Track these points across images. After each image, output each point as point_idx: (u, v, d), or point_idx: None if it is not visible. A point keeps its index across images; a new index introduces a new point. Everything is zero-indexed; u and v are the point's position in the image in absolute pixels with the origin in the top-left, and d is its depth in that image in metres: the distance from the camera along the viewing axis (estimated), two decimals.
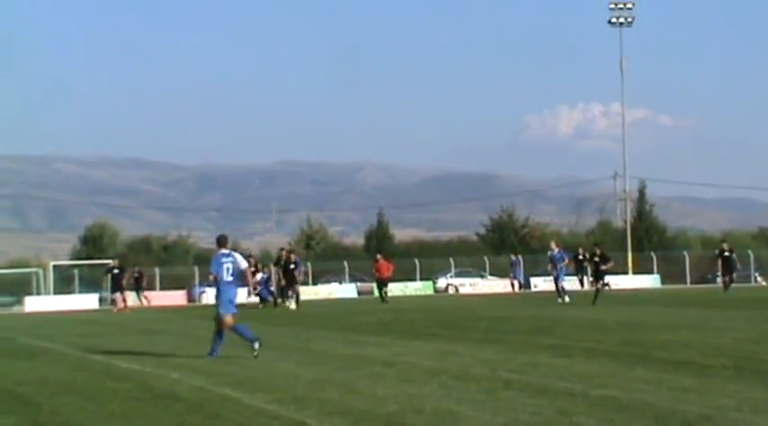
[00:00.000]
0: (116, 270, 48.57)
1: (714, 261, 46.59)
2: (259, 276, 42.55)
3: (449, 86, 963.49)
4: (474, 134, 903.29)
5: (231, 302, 17.41)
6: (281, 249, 45.23)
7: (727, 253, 43.02)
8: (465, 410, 10.31)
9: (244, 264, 17.54)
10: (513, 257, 62.03)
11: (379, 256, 48.16)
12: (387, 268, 46.17)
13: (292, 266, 39.87)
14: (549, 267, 38.41)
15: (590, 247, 39.79)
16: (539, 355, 16.07)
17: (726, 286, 42.37)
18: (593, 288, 35.76)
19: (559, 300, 36.01)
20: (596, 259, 36.05)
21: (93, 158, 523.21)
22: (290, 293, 39.60)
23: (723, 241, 48.08)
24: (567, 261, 38.48)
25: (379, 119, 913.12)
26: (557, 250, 37.88)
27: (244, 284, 17.93)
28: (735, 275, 43.80)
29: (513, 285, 60.25)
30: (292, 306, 38.70)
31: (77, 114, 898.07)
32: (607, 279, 37.71)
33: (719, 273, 45.02)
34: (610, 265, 36.56)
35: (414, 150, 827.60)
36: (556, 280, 37.47)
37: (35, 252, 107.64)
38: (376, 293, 48.11)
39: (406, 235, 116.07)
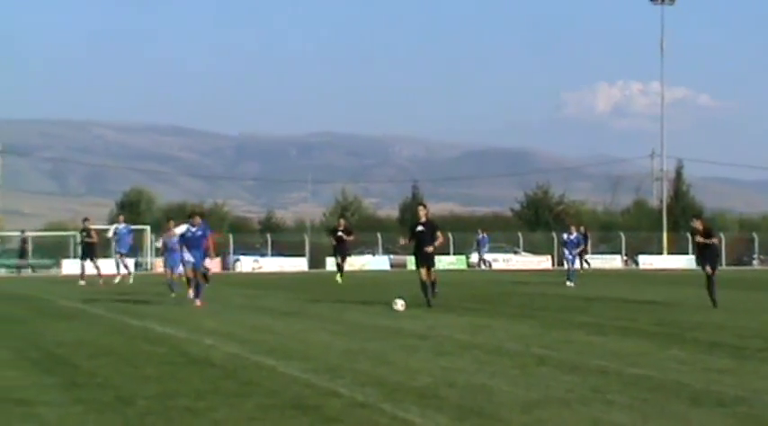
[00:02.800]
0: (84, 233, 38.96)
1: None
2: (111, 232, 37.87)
3: (488, 61, 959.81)
4: (512, 110, 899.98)
5: None
6: (340, 217, 43.14)
7: None
8: (498, 384, 10.33)
9: None
10: (481, 234, 62.64)
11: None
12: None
13: (339, 234, 36.03)
14: (565, 249, 36.14)
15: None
16: (572, 332, 16.06)
17: None
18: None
19: (569, 283, 33.55)
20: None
21: (134, 125, 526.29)
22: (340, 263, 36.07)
23: None
24: (582, 246, 37.48)
25: (417, 93, 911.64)
26: (575, 233, 35.91)
27: None
28: None
29: (482, 262, 61.29)
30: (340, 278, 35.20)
31: (119, 81, 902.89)
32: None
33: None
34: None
35: (451, 125, 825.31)
36: (570, 262, 35.10)
37: (73, 216, 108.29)
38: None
39: (440, 209, 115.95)
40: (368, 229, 79.04)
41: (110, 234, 33.87)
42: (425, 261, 22.60)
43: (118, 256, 38.03)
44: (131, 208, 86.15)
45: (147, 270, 64.46)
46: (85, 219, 40.18)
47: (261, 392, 9.92)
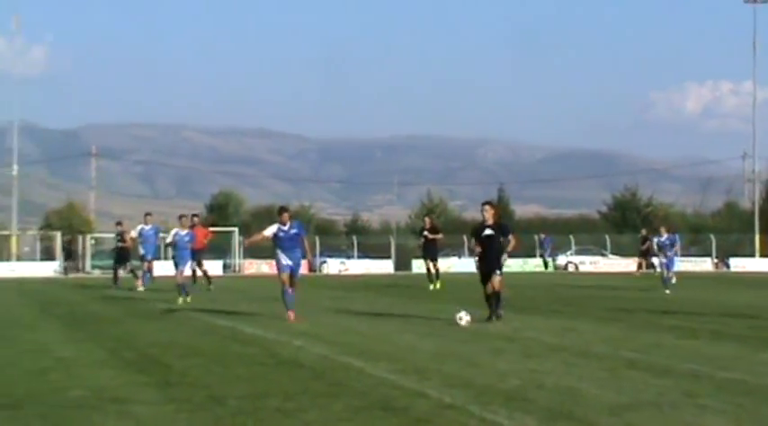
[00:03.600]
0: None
1: None
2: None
3: (574, 62, 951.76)
4: (598, 111, 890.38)
5: None
6: (425, 216, 37.58)
7: None
8: (587, 387, 10.25)
9: None
10: (543, 236, 63.59)
11: (196, 219, 32.05)
12: (204, 234, 32.14)
13: (425, 233, 33.22)
14: (657, 253, 34.35)
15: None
16: (662, 335, 15.87)
17: None
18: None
19: (667, 291, 31.27)
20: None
21: (221, 128, 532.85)
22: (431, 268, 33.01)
23: None
24: (677, 246, 35.64)
25: (503, 95, 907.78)
26: (665, 236, 33.55)
27: None
28: None
29: (546, 263, 62.48)
30: (435, 285, 32.48)
31: (208, 84, 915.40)
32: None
33: None
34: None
35: (537, 127, 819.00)
36: (665, 267, 32.99)
37: (163, 219, 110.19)
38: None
39: (526, 212, 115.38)
40: (454, 232, 78.99)
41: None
42: (493, 269, 18.48)
43: (142, 261, 33.76)
44: (220, 210, 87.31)
45: (234, 272, 65.34)
46: (119, 223, 38.22)
47: (350, 393, 9.98)
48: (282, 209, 20.11)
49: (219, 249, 69.14)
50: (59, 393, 10.04)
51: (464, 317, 17.45)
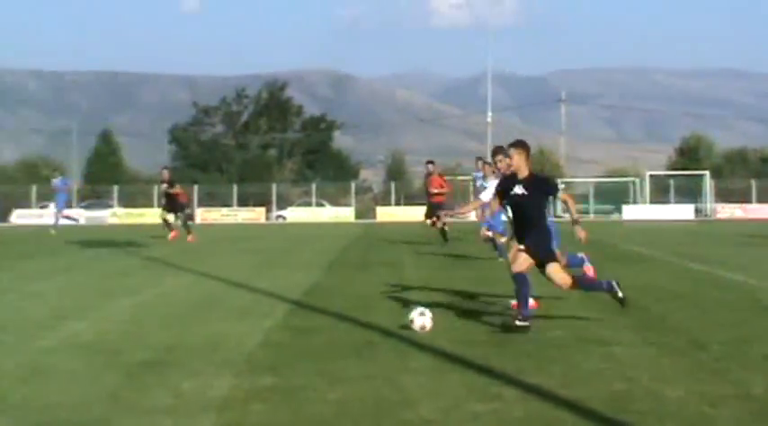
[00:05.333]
0: None
1: None
2: None
3: None
4: None
5: None
6: None
7: None
8: None
9: None
10: None
11: (431, 166, 28.14)
12: (438, 184, 27.63)
13: None
14: None
15: None
16: None
17: None
18: None
19: None
20: None
21: (690, 69, 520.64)
22: None
23: None
24: None
25: None
26: None
27: None
28: None
29: None
30: None
31: (671, 26, 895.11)
32: None
33: None
34: None
35: None
36: None
37: (631, 162, 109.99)
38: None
39: None
40: None
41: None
42: (539, 254, 10.87)
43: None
44: (690, 154, 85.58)
45: (706, 216, 64.00)
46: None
47: None
48: (498, 150, 13.15)
49: (691, 193, 68.12)
50: (540, 333, 10.30)
51: (416, 320, 10.21)
